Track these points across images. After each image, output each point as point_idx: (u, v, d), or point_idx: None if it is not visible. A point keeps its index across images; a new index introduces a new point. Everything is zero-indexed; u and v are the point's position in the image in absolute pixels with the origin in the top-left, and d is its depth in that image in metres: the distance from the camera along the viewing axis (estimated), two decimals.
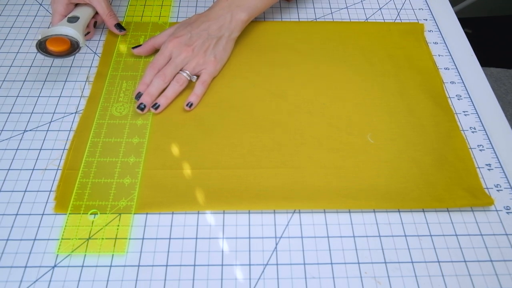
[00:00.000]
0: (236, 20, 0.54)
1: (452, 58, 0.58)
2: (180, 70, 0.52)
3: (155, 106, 0.50)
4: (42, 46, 0.51)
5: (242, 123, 0.49)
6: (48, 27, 0.59)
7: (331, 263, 0.39)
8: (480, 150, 0.48)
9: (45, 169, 0.45)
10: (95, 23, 0.59)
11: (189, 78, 0.52)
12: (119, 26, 0.59)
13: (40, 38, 0.51)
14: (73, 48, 0.52)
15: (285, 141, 0.48)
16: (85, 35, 0.56)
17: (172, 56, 0.52)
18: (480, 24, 1.58)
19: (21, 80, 0.54)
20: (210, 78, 0.53)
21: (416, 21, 0.63)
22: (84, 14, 0.55)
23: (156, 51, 0.56)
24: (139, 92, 0.50)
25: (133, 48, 0.56)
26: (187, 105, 0.50)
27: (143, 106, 0.50)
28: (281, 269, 0.39)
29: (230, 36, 0.55)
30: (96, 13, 0.58)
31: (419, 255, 0.40)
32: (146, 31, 0.60)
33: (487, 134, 0.50)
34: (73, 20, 0.53)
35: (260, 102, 0.52)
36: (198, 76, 0.53)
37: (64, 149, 0.47)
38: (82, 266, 0.39)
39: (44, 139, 0.48)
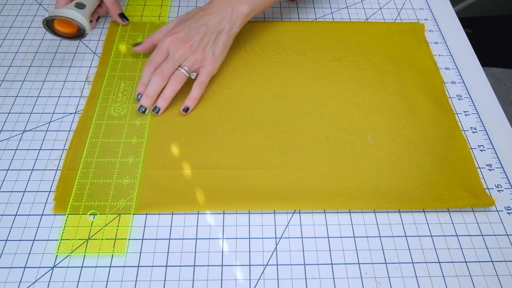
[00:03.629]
0: (237, 13, 0.52)
1: (452, 58, 0.58)
2: (179, 66, 0.51)
3: (155, 110, 0.49)
4: (49, 25, 0.52)
5: (242, 123, 0.49)
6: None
7: (331, 264, 0.39)
8: (481, 150, 0.48)
9: (45, 170, 0.45)
10: (98, 18, 0.60)
11: (188, 75, 0.51)
12: (122, 15, 0.60)
13: (47, 16, 0.52)
14: (79, 33, 0.53)
15: (285, 141, 0.48)
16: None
17: (170, 52, 0.51)
18: (481, 24, 1.58)
19: (21, 80, 0.54)
20: (208, 78, 0.52)
21: (417, 21, 0.63)
22: (90, 2, 0.56)
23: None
24: (139, 93, 0.50)
25: (133, 46, 0.55)
26: (183, 109, 0.50)
27: (143, 109, 0.49)
28: (281, 269, 0.39)
29: (231, 30, 0.53)
30: (99, 5, 0.59)
31: (420, 256, 0.40)
32: (144, 31, 0.60)
33: (487, 134, 0.49)
34: (80, 6, 0.54)
35: (260, 102, 0.51)
36: (197, 74, 0.52)
37: (63, 149, 0.47)
38: (82, 266, 0.39)
39: (43, 139, 0.48)
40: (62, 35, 0.54)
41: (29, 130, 0.49)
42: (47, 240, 0.40)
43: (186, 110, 0.50)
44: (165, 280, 0.38)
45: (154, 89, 0.50)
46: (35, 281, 0.38)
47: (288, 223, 0.42)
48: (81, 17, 0.53)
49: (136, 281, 0.38)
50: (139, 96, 0.50)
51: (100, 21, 0.62)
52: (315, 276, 0.39)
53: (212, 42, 0.51)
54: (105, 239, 0.40)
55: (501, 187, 0.45)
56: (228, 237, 0.41)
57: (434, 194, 0.44)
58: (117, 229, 0.41)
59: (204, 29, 0.51)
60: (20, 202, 0.43)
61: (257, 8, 0.54)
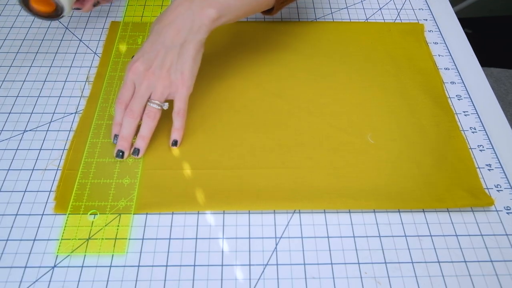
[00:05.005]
0: (201, 18, 0.43)
1: (452, 58, 0.58)
2: (148, 100, 0.45)
3: (135, 153, 0.45)
4: (25, 2, 0.49)
5: (242, 123, 0.49)
6: None
7: (331, 263, 0.39)
8: (480, 150, 0.48)
9: (45, 169, 0.45)
10: (97, 3, 0.57)
11: (160, 108, 0.45)
12: None
13: None
14: (57, 12, 0.50)
15: (285, 141, 0.48)
16: (77, 9, 0.54)
17: (136, 86, 0.44)
18: (480, 24, 1.58)
19: (21, 80, 0.54)
20: (184, 104, 0.45)
21: (416, 21, 0.63)
22: None
23: None
24: (116, 135, 0.46)
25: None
26: (172, 144, 0.46)
27: (121, 154, 0.45)
28: (281, 269, 0.39)
29: (195, 39, 0.44)
30: None
31: (419, 255, 0.40)
32: (144, 31, 0.60)
33: (487, 134, 0.50)
34: None
35: (260, 102, 0.52)
36: (170, 101, 0.46)
37: (64, 149, 0.47)
38: (82, 266, 0.39)
39: (44, 139, 0.48)
40: (39, 14, 0.50)
41: (30, 130, 0.49)
42: (48, 240, 0.40)
43: (175, 143, 0.46)
44: (165, 280, 0.38)
45: (128, 131, 0.45)
46: (36, 281, 0.38)
47: (288, 223, 0.42)
48: None
49: (136, 280, 0.38)
50: (115, 138, 0.46)
51: (100, 21, 0.62)
52: (315, 276, 0.39)
53: (176, 60, 0.43)
54: (106, 239, 0.40)
55: (500, 187, 0.45)
56: (228, 237, 0.41)
57: (434, 194, 0.44)
58: (118, 229, 0.41)
59: (162, 48, 0.43)
60: (21, 202, 0.43)
61: (226, 13, 0.45)
